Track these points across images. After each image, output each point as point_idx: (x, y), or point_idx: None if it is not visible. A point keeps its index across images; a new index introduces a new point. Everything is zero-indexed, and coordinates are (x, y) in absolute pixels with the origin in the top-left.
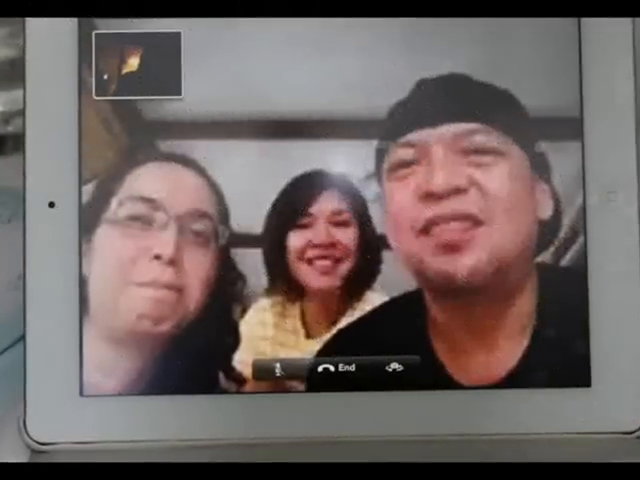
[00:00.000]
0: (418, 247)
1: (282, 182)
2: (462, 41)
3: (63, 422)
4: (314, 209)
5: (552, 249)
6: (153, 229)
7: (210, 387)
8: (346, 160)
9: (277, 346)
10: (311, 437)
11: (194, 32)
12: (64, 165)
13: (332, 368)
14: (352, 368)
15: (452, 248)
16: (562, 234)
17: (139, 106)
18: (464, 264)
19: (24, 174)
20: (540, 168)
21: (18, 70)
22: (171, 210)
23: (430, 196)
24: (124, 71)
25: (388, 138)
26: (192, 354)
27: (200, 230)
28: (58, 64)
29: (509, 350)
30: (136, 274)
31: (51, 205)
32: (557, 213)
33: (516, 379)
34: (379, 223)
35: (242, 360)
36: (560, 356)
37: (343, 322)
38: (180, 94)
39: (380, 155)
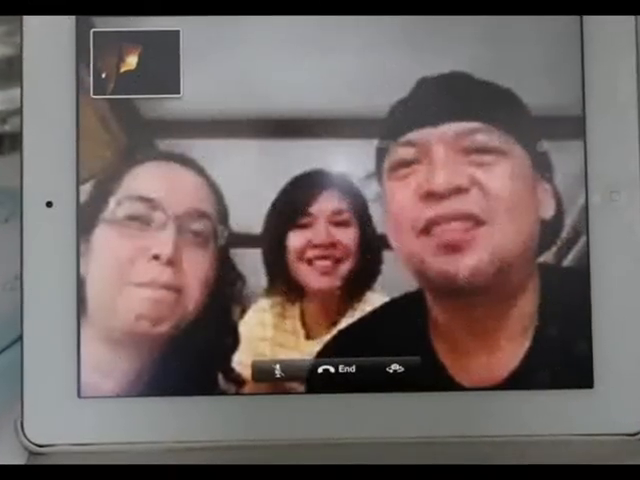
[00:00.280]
0: (419, 247)
1: (282, 182)
2: (463, 39)
3: (61, 424)
4: (314, 209)
5: (554, 249)
6: (151, 229)
7: (209, 388)
8: (346, 159)
9: (277, 347)
10: (311, 439)
11: (193, 30)
12: (62, 164)
13: (332, 369)
14: (352, 369)
15: (453, 248)
16: (564, 234)
17: (137, 105)
18: (465, 264)
19: (21, 173)
20: (542, 167)
21: (15, 68)
22: (170, 210)
23: (431, 196)
24: (122, 70)
25: (389, 137)
26: (191, 355)
27: (199, 230)
28: (56, 62)
29: (511, 351)
30: (134, 274)
31: (49, 205)
32: (559, 213)
33: (518, 380)
34: (379, 223)
35: (241, 361)
36: (562, 357)
37: (343, 323)
38: (179, 93)
39: (381, 154)
